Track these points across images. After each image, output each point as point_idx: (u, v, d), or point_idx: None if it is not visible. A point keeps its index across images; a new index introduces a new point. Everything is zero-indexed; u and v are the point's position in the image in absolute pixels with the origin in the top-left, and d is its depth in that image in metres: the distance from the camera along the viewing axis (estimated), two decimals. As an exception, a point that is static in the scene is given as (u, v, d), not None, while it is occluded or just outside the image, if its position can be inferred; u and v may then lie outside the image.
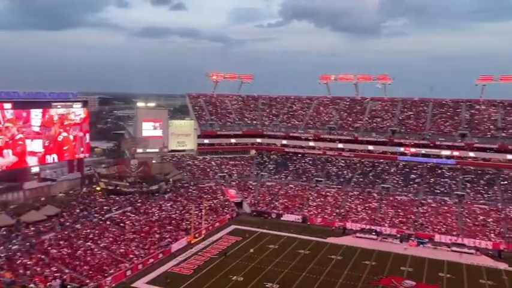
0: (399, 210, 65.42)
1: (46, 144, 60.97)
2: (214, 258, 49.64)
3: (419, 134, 78.09)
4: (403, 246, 55.52)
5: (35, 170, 61.90)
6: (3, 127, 54.79)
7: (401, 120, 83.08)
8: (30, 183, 59.18)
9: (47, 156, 61.80)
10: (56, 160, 63.90)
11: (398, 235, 58.74)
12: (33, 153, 59.28)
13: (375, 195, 70.78)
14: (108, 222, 54.44)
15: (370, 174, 76.78)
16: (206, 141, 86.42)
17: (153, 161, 75.10)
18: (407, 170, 75.98)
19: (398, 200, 68.50)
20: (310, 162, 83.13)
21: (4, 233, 46.09)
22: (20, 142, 57.06)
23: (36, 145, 59.35)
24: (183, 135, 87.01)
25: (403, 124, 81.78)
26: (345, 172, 78.63)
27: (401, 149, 77.80)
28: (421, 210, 65.02)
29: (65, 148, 64.93)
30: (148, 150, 76.94)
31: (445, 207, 65.11)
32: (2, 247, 43.35)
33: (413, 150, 76.92)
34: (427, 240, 57.12)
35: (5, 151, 54.69)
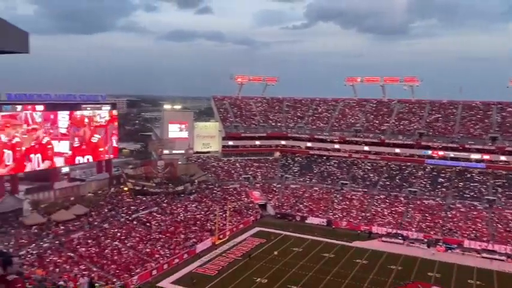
0: (426, 215, 64.06)
1: (75, 145, 61.84)
2: (238, 260, 49.83)
3: (448, 137, 76.33)
4: (430, 251, 54.31)
5: (65, 170, 63.54)
6: (29, 131, 54.95)
7: (429, 122, 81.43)
8: (60, 183, 60.67)
9: (79, 158, 62.72)
10: (91, 160, 65.61)
11: (426, 240, 57.55)
12: (60, 154, 60.28)
13: (402, 199, 69.53)
14: (135, 222, 55.43)
15: (397, 177, 75.50)
16: (231, 143, 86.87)
17: (179, 162, 75.98)
18: (435, 173, 74.35)
19: (425, 204, 67.09)
20: (336, 165, 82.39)
21: (35, 231, 47.59)
22: (49, 146, 57.81)
23: (62, 146, 60.23)
24: (208, 137, 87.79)
25: (430, 127, 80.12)
26: (371, 175, 77.57)
27: (429, 152, 76.20)
28: (450, 215, 63.48)
29: (100, 150, 66.23)
30: (174, 151, 77.91)
31: (475, 212, 63.35)
32: (33, 245, 44.78)
33: (441, 153, 75.24)
34: (455, 245, 55.76)
35: (32, 155, 55.16)
